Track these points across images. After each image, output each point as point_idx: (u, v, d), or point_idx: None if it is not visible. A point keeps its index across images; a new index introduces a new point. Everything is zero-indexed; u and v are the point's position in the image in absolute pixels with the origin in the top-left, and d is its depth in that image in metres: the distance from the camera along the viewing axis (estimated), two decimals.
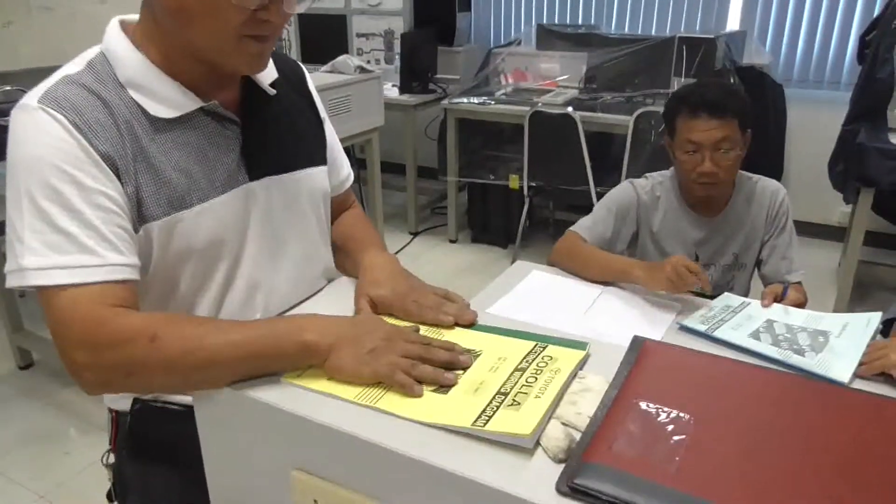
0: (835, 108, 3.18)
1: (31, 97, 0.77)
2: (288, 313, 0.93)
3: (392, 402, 0.73)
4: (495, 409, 0.70)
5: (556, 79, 3.71)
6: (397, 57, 4.01)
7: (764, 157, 1.69)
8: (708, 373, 0.74)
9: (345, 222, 1.13)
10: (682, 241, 1.64)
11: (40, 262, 0.74)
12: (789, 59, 3.72)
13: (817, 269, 3.35)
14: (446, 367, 0.76)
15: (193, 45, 0.80)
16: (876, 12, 3.19)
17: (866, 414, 0.67)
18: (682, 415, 0.66)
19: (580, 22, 4.15)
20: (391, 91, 3.87)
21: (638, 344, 0.78)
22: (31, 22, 2.78)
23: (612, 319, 1.33)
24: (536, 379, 0.75)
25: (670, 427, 0.65)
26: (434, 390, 0.74)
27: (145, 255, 0.83)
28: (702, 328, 1.06)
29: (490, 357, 0.80)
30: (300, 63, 1.06)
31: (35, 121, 0.76)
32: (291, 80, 1.00)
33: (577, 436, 0.67)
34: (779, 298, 1.29)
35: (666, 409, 0.67)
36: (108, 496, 1.02)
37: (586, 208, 1.67)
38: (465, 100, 3.64)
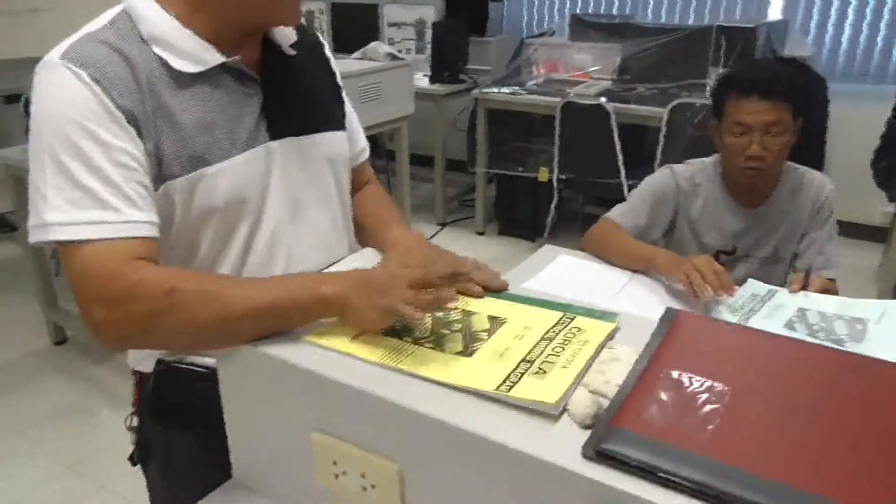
0: (880, 103, 3.07)
1: (54, 54, 0.78)
2: None
3: (416, 363, 0.71)
4: (520, 375, 0.68)
5: (589, 70, 3.65)
6: (428, 46, 4.00)
7: (804, 152, 1.63)
8: (744, 344, 0.71)
9: (365, 199, 1.11)
10: (720, 231, 1.59)
11: (61, 218, 0.75)
12: (833, 51, 3.61)
13: (856, 269, 3.24)
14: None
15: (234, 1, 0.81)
16: None
17: None
18: (716, 384, 0.63)
19: (615, 12, 4.08)
20: (421, 81, 3.86)
21: (671, 315, 0.75)
22: (57, 8, 2.84)
23: (641, 303, 1.30)
24: (564, 349, 0.73)
25: (704, 396, 0.62)
26: (459, 352, 0.73)
27: (167, 215, 0.83)
28: (733, 319, 1.02)
29: (515, 325, 0.78)
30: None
31: (57, 77, 0.76)
32: (309, 46, 1.00)
33: (605, 403, 0.65)
34: (804, 283, 1.24)
35: (699, 378, 0.64)
36: (131, 459, 1.02)
37: (616, 202, 1.62)
38: (495, 90, 3.62)
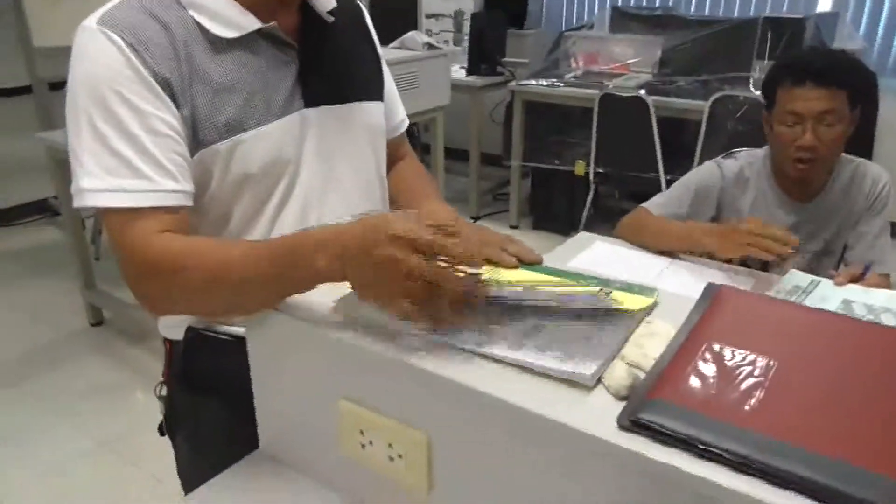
0: None
1: (91, 19, 0.78)
2: None
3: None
4: None
5: (629, 62, 3.59)
6: (466, 39, 3.97)
7: (851, 150, 1.55)
8: (789, 318, 0.67)
9: (401, 174, 1.09)
10: None
11: (96, 184, 0.75)
12: (885, 46, 3.47)
13: None
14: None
15: None
16: None
17: None
18: (759, 358, 0.60)
19: (657, 3, 4.00)
20: (458, 73, 3.84)
21: (712, 290, 0.72)
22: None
23: (681, 286, 1.26)
24: None
25: (746, 369, 0.59)
26: None
27: (202, 182, 0.82)
28: None
29: (550, 296, 0.76)
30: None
31: (94, 41, 0.76)
32: (349, 14, 0.98)
33: (642, 376, 0.62)
34: (857, 279, 1.19)
35: (741, 350, 0.61)
36: (160, 429, 1.03)
37: None
38: (533, 82, 3.57)
